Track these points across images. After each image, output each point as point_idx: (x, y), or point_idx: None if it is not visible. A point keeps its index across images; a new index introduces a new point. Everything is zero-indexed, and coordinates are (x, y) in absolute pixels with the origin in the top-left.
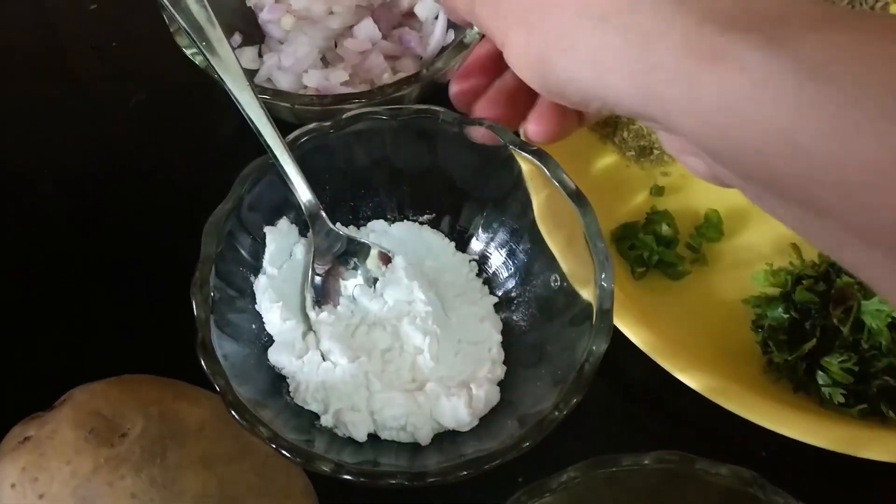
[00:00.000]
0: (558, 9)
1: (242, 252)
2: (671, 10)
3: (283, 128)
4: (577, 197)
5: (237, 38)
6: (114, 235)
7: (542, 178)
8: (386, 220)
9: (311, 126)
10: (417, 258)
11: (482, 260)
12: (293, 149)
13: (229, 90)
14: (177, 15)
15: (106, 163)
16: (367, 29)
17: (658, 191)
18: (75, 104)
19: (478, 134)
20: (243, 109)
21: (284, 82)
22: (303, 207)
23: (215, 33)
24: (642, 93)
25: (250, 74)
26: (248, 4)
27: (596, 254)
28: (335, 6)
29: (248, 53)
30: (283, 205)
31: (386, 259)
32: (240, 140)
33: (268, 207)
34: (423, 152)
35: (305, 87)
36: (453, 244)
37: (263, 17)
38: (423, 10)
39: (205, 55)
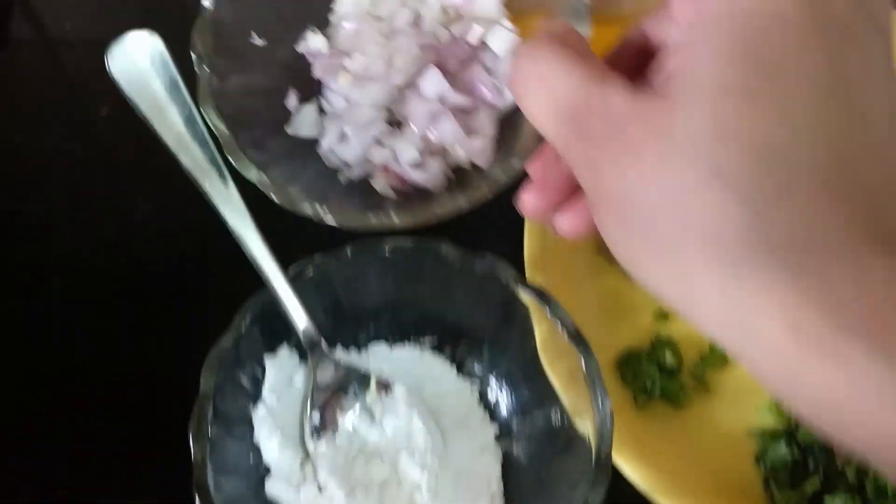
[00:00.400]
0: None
1: (242, 382)
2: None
3: (287, 252)
4: (577, 338)
5: (293, 98)
6: (113, 351)
7: (543, 313)
8: (387, 344)
9: (314, 259)
10: (418, 384)
11: (484, 387)
12: (294, 279)
13: (231, 227)
14: (180, 158)
15: (108, 275)
16: (434, 83)
17: (663, 316)
18: (81, 212)
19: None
20: (244, 244)
21: (349, 154)
22: (301, 338)
23: (218, 174)
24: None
25: (307, 144)
26: (299, 51)
27: (595, 401)
28: (396, 58)
29: (307, 115)
30: (284, 330)
31: (385, 387)
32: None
33: (269, 334)
34: (426, 282)
35: (371, 163)
36: (455, 369)
37: (317, 73)
38: (496, 41)
39: (207, 194)
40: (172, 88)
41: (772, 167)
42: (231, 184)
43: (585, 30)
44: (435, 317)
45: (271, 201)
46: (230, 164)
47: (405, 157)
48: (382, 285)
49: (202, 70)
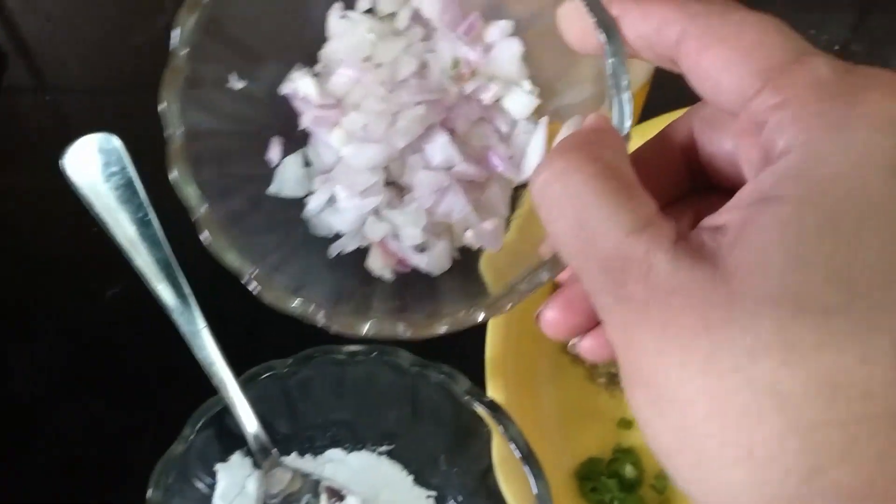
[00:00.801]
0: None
1: (193, 489)
2: None
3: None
4: (529, 459)
5: (275, 150)
6: (68, 446)
7: None
8: (344, 450)
9: (269, 366)
10: (374, 492)
11: (441, 498)
12: (247, 384)
13: (182, 332)
14: (132, 260)
15: (74, 356)
16: (443, 151)
17: (626, 424)
18: (52, 291)
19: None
20: (195, 350)
21: (341, 223)
22: (251, 445)
23: (171, 278)
24: None
25: (292, 207)
26: (282, 93)
27: None
28: (401, 118)
29: (292, 170)
30: (238, 437)
31: (338, 496)
32: None
33: (221, 441)
34: (382, 389)
35: (364, 237)
36: (412, 477)
37: (306, 125)
38: (514, 105)
39: (160, 298)
40: (127, 189)
41: (838, 398)
42: (185, 288)
43: (626, 109)
44: (392, 424)
45: (231, 295)
46: (185, 263)
47: (407, 238)
48: (339, 391)
49: (174, 128)
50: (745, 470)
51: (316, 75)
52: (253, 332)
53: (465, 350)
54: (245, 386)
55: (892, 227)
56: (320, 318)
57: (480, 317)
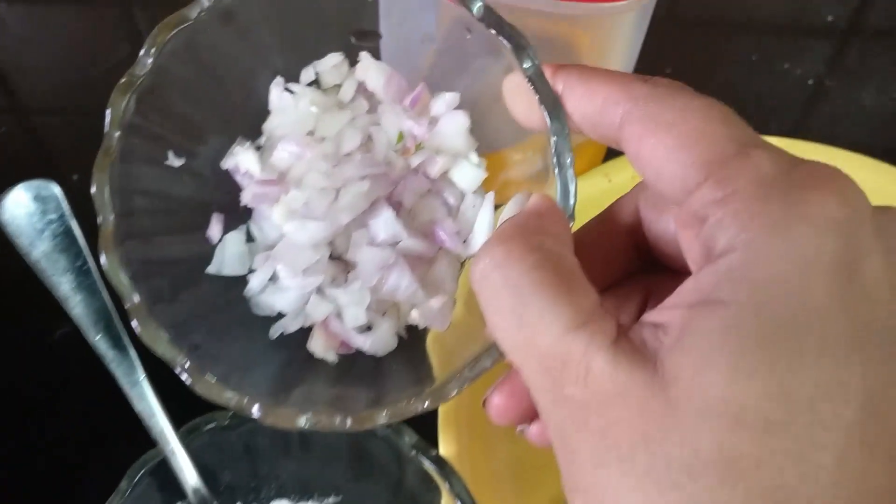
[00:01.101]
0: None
1: None
2: None
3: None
4: None
5: (215, 227)
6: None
7: None
8: (290, 501)
9: (211, 417)
10: None
11: None
12: (189, 438)
13: (120, 384)
14: (69, 310)
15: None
16: (387, 226)
17: None
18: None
19: None
20: (132, 402)
21: (282, 302)
22: (191, 499)
23: (108, 328)
24: None
25: (233, 283)
26: (224, 167)
27: None
28: (344, 193)
29: (233, 247)
30: (180, 489)
31: None
32: None
33: (163, 493)
34: (328, 440)
35: (307, 317)
36: None
37: (247, 201)
38: (461, 178)
39: (96, 348)
40: (65, 237)
41: None
42: (124, 338)
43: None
44: (338, 477)
45: None
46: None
47: (351, 319)
48: (284, 443)
49: (105, 214)
50: None
51: (258, 149)
52: None
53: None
54: (186, 437)
55: (834, 336)
56: (255, 412)
57: (423, 406)
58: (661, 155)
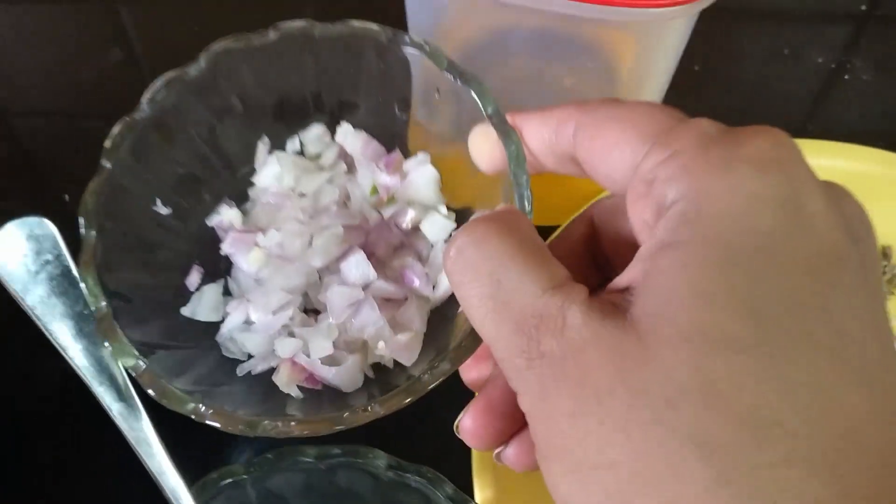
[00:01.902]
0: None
1: None
2: None
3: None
4: None
5: (195, 276)
6: None
7: None
8: None
9: (227, 471)
10: None
11: None
12: (203, 494)
13: (127, 438)
14: (70, 358)
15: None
16: (358, 268)
17: None
18: None
19: None
20: (143, 459)
21: (252, 345)
22: None
23: (113, 377)
24: None
25: (208, 329)
26: (210, 224)
27: None
28: (317, 238)
29: (209, 297)
30: None
31: None
32: None
33: None
34: (355, 496)
35: (277, 355)
36: None
37: (226, 249)
38: (431, 229)
39: (101, 399)
40: (64, 279)
41: (765, 439)
42: (129, 388)
43: (526, 205)
44: None
45: None
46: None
47: (317, 351)
48: (305, 499)
49: (87, 235)
50: None
51: (242, 210)
52: (209, 433)
53: (449, 445)
54: (200, 494)
55: (789, 256)
56: (211, 418)
57: (381, 410)
58: (610, 143)
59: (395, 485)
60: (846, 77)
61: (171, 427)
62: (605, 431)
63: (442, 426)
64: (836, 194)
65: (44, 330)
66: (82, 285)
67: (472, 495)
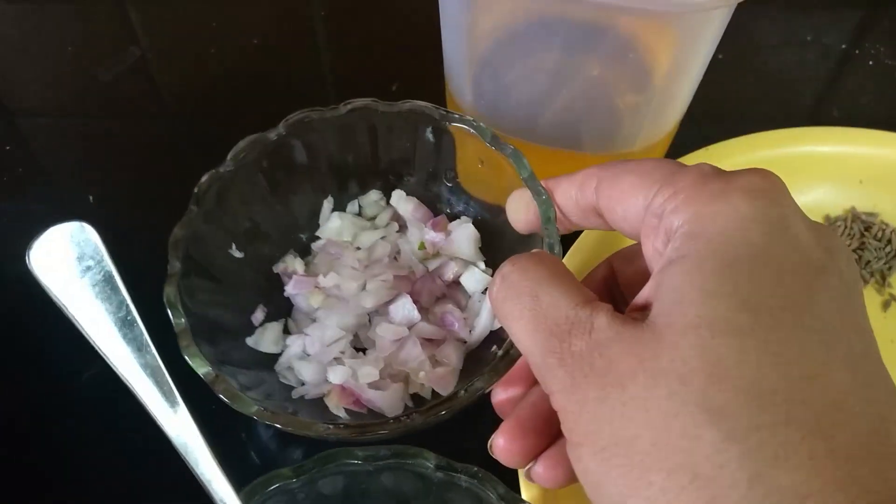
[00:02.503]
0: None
1: None
2: None
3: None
4: None
5: (259, 313)
6: None
7: None
8: None
9: (275, 475)
10: None
11: None
12: (251, 500)
13: (175, 443)
14: (113, 364)
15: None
16: (404, 309)
17: None
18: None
19: None
20: (191, 465)
21: (307, 373)
22: None
23: (159, 382)
24: None
25: (268, 359)
26: (275, 271)
27: None
28: (370, 283)
29: (271, 332)
30: None
31: None
32: None
33: None
34: (405, 497)
35: (329, 382)
36: None
37: (289, 290)
38: (470, 281)
39: (146, 405)
40: (106, 285)
41: (765, 405)
42: (175, 394)
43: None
44: None
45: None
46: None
47: (364, 377)
48: (355, 501)
49: (173, 263)
50: (694, 493)
51: (305, 262)
52: (254, 439)
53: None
54: (248, 499)
55: (779, 264)
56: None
57: (419, 420)
58: (626, 190)
59: (445, 485)
60: (870, 63)
61: (216, 428)
62: (628, 411)
63: (487, 431)
64: (815, 224)
65: (87, 337)
66: (168, 304)
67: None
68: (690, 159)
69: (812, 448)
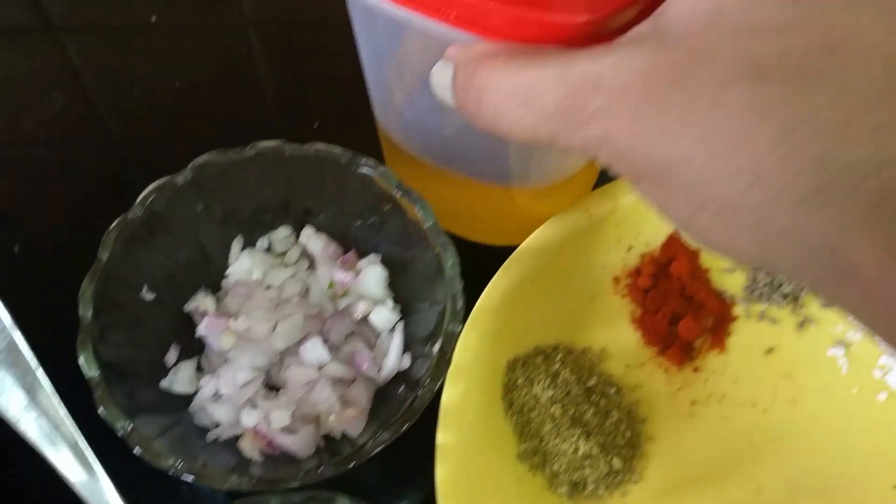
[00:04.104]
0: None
1: None
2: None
3: None
4: None
5: (173, 353)
6: None
7: None
8: None
9: None
10: None
11: None
12: None
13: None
14: (22, 431)
15: None
16: (315, 351)
17: None
18: None
19: None
20: None
21: (221, 415)
22: None
23: (72, 446)
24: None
25: (184, 399)
26: (187, 310)
27: None
28: (281, 323)
29: (185, 373)
30: None
31: None
32: None
33: None
34: None
35: (241, 425)
36: None
37: (201, 331)
38: (379, 318)
39: (59, 471)
40: (10, 353)
41: (812, 92)
42: (90, 457)
43: (458, 304)
44: None
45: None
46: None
47: (276, 421)
48: None
49: (85, 315)
50: (761, 189)
51: (216, 298)
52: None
53: (414, 476)
54: None
55: None
56: (191, 473)
57: (329, 471)
58: None
59: None
60: None
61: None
62: (672, 133)
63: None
64: None
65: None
66: (81, 358)
67: None
68: (603, 192)
69: (879, 118)
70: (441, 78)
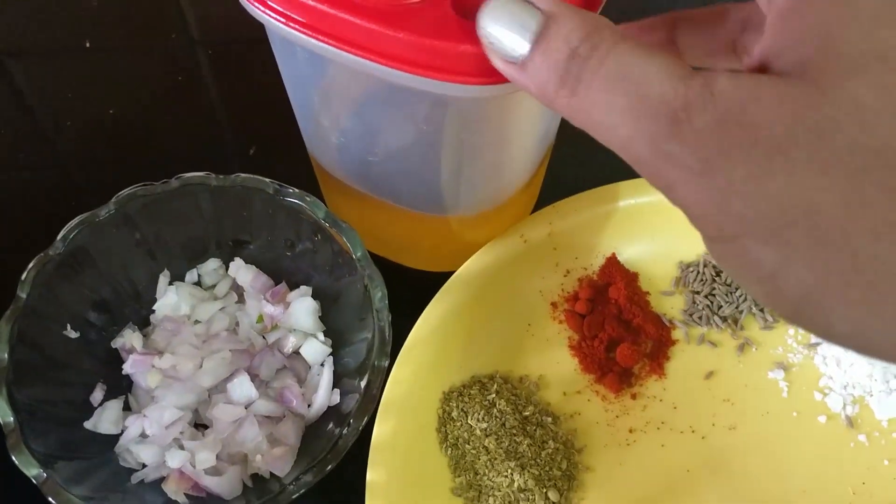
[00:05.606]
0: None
1: None
2: None
3: None
4: None
5: (98, 392)
6: None
7: None
8: None
9: None
10: None
11: None
12: None
13: None
14: None
15: None
16: (242, 388)
17: None
18: None
19: None
20: None
21: (146, 456)
22: None
23: None
24: None
25: (109, 439)
26: (114, 346)
27: None
28: (208, 360)
29: (111, 413)
30: None
31: None
32: None
33: None
34: None
35: (168, 465)
36: None
37: (128, 369)
38: (310, 352)
39: None
40: None
41: None
42: None
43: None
44: None
45: None
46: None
47: (202, 462)
48: None
49: (1, 359)
50: None
51: (144, 334)
52: None
53: None
54: None
55: None
56: None
57: None
58: None
59: None
60: None
61: None
62: (798, 179)
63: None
64: None
65: None
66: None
67: None
68: (538, 217)
69: None
70: (510, 20)
